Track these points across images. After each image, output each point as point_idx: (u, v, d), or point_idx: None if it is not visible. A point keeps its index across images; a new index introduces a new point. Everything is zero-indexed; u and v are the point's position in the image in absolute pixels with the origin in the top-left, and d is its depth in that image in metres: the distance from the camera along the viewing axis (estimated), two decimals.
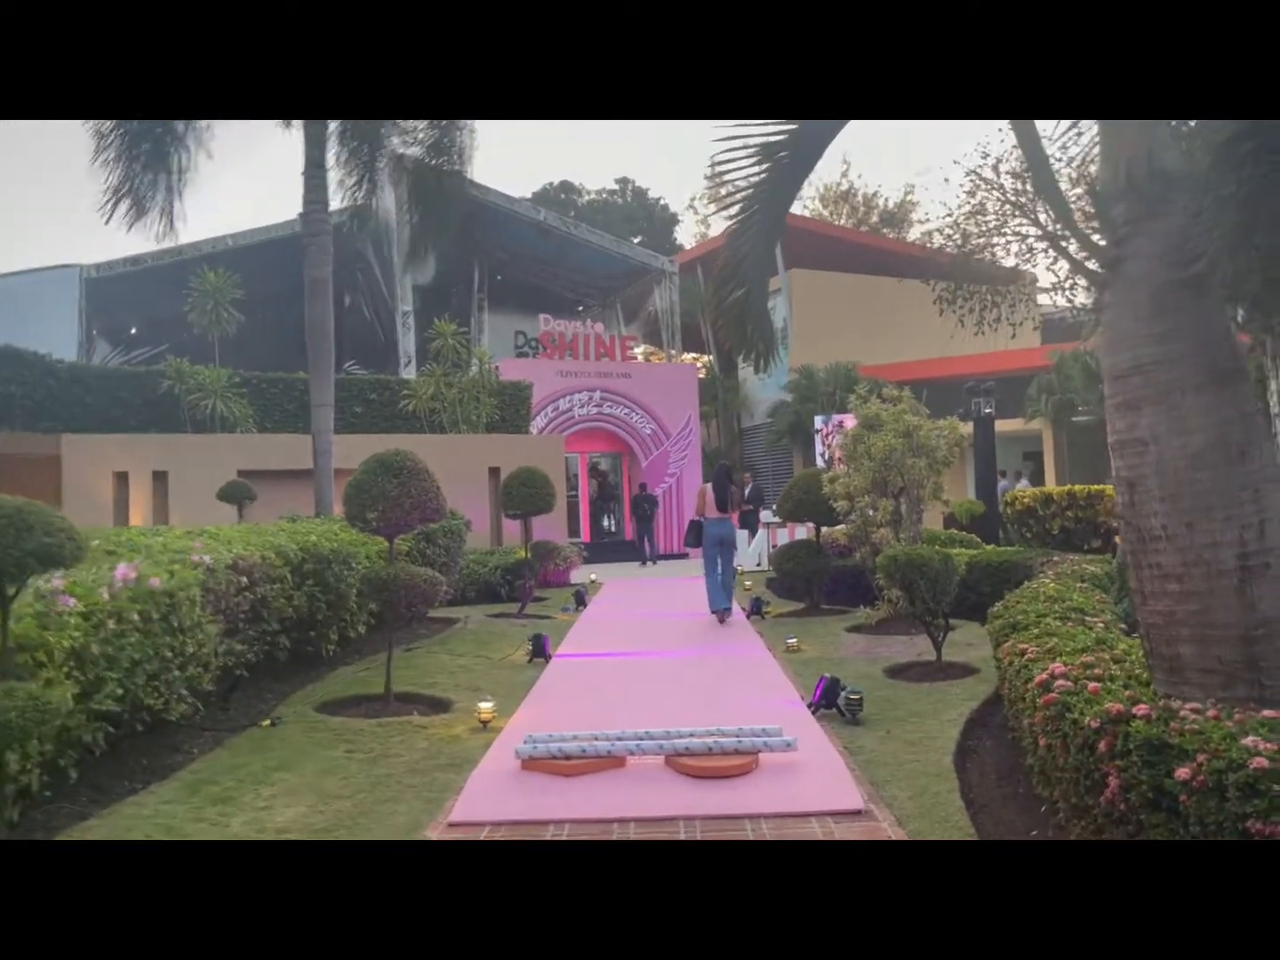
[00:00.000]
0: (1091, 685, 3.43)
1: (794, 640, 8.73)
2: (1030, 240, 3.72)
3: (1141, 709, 3.05)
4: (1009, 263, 3.84)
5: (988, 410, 16.09)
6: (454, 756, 5.55)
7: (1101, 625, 5.16)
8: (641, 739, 5.34)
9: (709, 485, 10.78)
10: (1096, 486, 9.95)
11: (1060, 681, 3.58)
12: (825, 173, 42.82)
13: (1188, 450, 3.41)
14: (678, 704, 6.70)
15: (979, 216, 3.76)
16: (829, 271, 26.23)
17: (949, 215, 3.84)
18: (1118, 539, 9.11)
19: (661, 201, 46.29)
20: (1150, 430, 3.50)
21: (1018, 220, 3.66)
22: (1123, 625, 5.51)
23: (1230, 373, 3.48)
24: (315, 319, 11.06)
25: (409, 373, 21.95)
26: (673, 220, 46.21)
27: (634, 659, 8.68)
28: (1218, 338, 3.49)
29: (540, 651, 8.49)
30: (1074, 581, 6.79)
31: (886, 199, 43.54)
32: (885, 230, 40.13)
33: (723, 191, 4.66)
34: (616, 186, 46.40)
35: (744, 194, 4.55)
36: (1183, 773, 2.73)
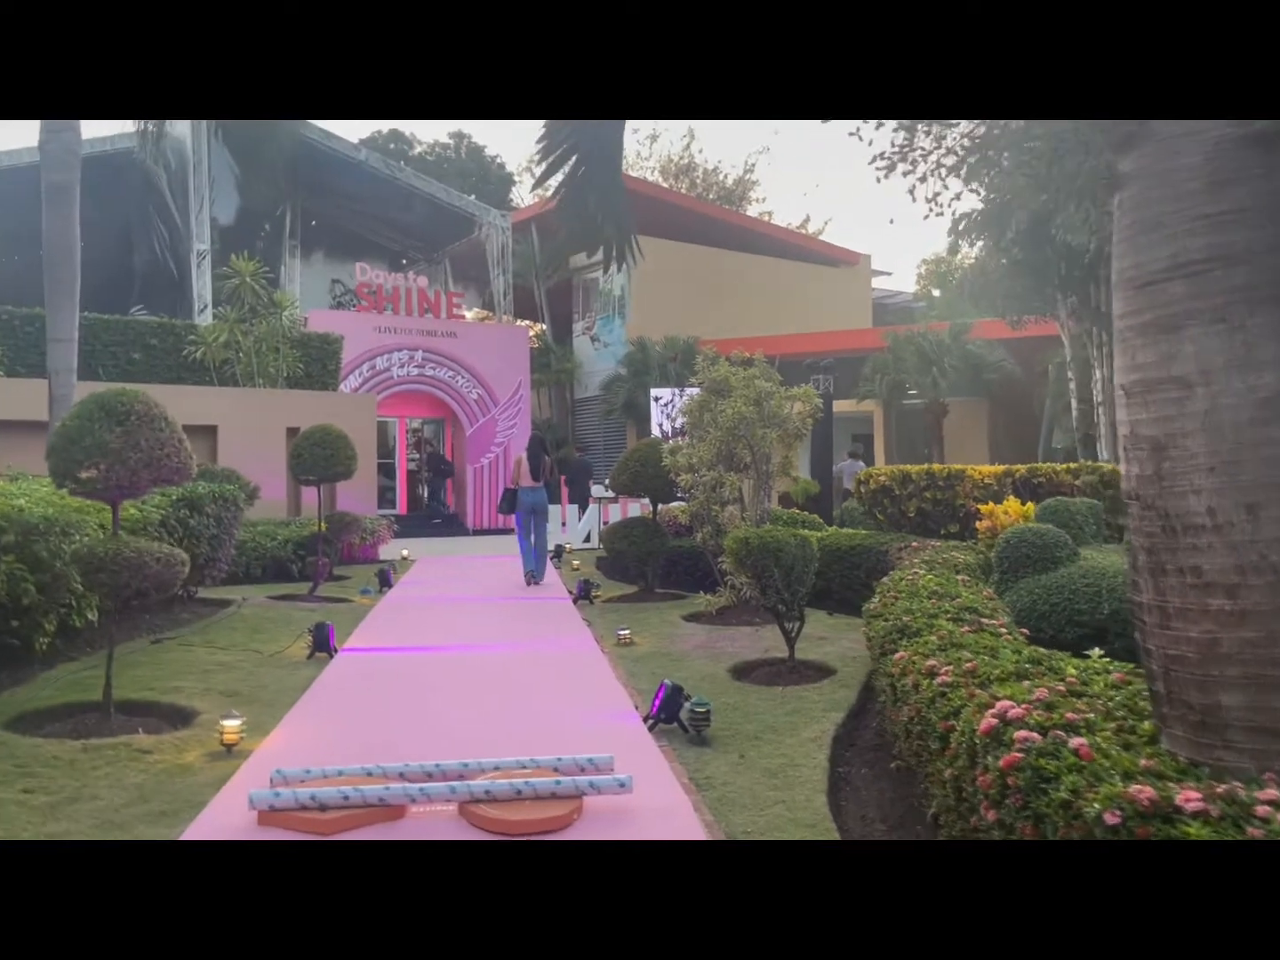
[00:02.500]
0: (1077, 743, 2.31)
1: (626, 632, 7.62)
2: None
3: (1192, 799, 1.94)
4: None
5: (826, 387, 15.61)
6: (174, 799, 4.11)
7: (1005, 630, 4.23)
8: (430, 775, 4.07)
9: (524, 455, 11.31)
10: (957, 466, 9.28)
11: (1021, 732, 2.47)
12: (669, 146, 42.02)
13: (1256, 395, 2.28)
14: (485, 719, 5.44)
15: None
16: (668, 240, 25.17)
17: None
18: (979, 525, 8.38)
19: (498, 159, 44.16)
20: (1198, 363, 2.33)
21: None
22: (1024, 631, 4.61)
23: None
24: (55, 233, 8.95)
25: (205, 319, 19.50)
26: (509, 180, 44.11)
27: (437, 655, 7.32)
28: None
29: (323, 644, 7.01)
30: (949, 573, 5.90)
31: (726, 175, 43.08)
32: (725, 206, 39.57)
33: None
34: (451, 141, 43.92)
35: None
36: None
